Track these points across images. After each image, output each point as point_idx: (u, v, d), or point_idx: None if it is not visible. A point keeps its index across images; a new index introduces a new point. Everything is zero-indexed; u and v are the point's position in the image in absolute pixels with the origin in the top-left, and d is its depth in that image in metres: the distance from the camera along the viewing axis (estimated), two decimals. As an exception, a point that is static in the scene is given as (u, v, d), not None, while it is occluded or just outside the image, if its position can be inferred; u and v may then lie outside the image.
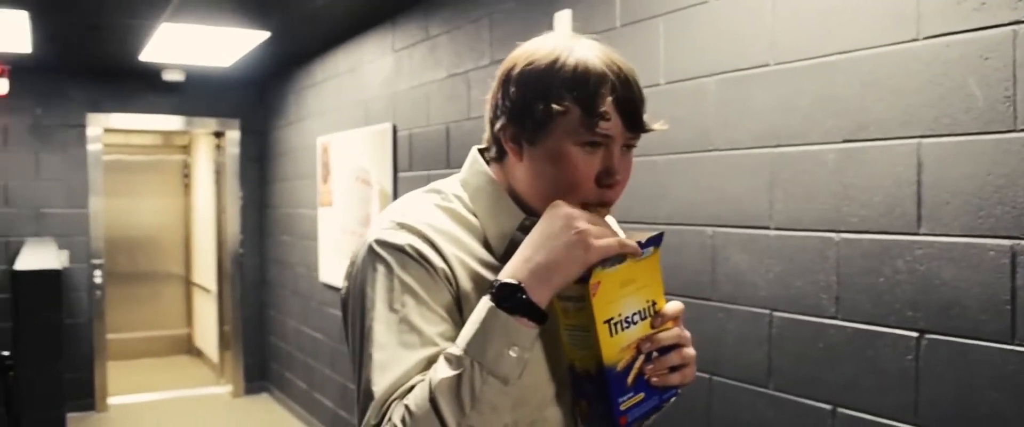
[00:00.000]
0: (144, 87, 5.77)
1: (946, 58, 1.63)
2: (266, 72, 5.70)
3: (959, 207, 1.62)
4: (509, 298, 0.99)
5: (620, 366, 1.04)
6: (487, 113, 1.14)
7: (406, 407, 0.97)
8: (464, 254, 1.08)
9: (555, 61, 1.04)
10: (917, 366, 1.70)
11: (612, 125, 1.04)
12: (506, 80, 1.09)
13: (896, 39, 1.72)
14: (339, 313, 1.14)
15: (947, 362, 1.65)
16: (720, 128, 2.11)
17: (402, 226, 1.08)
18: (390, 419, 0.98)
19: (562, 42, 1.07)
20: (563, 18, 2.74)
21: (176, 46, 4.64)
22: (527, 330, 1.00)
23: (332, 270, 4.79)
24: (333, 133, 4.75)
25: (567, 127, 1.04)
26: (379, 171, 4.15)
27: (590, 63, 1.04)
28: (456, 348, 0.99)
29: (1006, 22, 1.54)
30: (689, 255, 2.23)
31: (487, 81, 3.17)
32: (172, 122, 5.98)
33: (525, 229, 1.10)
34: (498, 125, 1.11)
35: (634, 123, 1.06)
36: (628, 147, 1.08)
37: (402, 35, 3.92)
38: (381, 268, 1.05)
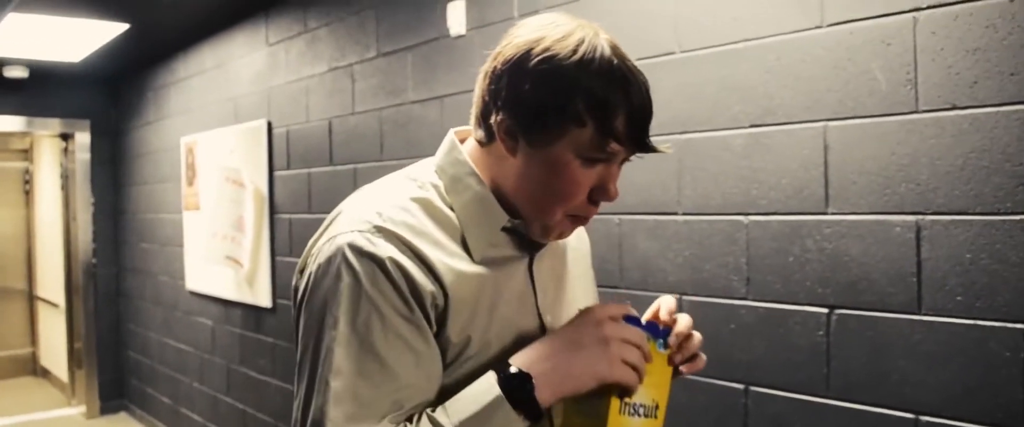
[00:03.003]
0: (-20, 85, 5.31)
1: (850, 44, 1.71)
2: (121, 68, 5.35)
3: (865, 186, 1.70)
4: (518, 390, 0.94)
5: None
6: (480, 90, 1.04)
7: None
8: (446, 256, 1.00)
9: (578, 65, 0.95)
10: (828, 341, 1.77)
11: (622, 149, 0.98)
12: (516, 70, 0.97)
13: (800, 26, 1.79)
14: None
15: (857, 335, 1.72)
16: (625, 117, 2.13)
17: (381, 231, 0.97)
18: None
19: (585, 39, 0.96)
20: (457, 9, 2.70)
21: (21, 38, 4.28)
22: (522, 424, 0.95)
23: (200, 277, 4.55)
24: (199, 132, 4.52)
25: (575, 141, 0.96)
26: (253, 171, 3.97)
27: (612, 73, 0.95)
28: (446, 419, 0.92)
29: (907, 9, 1.62)
30: (595, 244, 2.23)
31: (376, 74, 3.11)
32: (11, 123, 5.52)
33: (507, 231, 1.06)
34: (495, 116, 1.00)
35: (642, 144, 0.99)
36: (624, 160, 1.03)
37: (277, 28, 3.77)
38: (348, 280, 0.94)
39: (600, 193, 1.01)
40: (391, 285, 0.94)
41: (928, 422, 1.61)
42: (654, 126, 2.05)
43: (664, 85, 2.04)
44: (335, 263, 0.95)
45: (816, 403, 1.79)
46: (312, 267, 0.99)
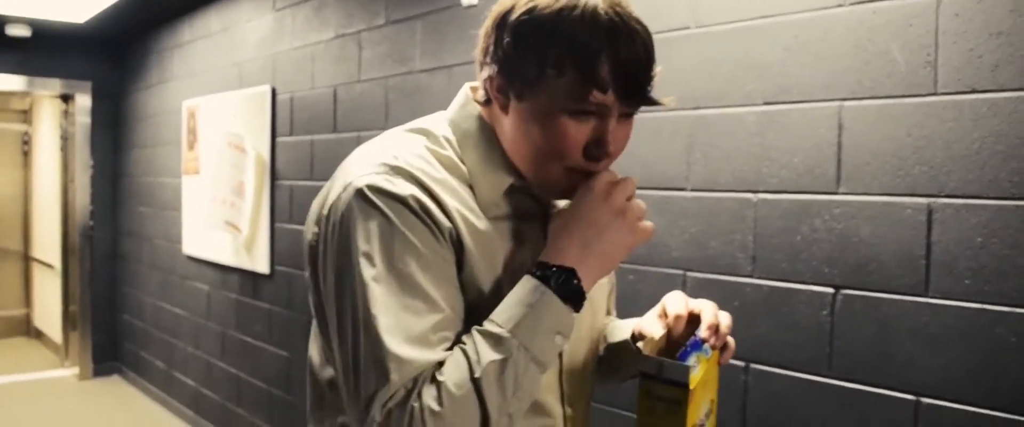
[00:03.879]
0: (-19, 41, 5.27)
1: (871, 24, 1.69)
2: (124, 30, 5.31)
3: (878, 167, 1.69)
4: (564, 284, 0.94)
5: None
6: (478, 54, 1.04)
7: (441, 386, 0.88)
8: (462, 207, 0.99)
9: (558, 14, 0.93)
10: (832, 321, 1.77)
11: (607, 96, 0.95)
12: (501, 24, 0.98)
13: (821, 4, 1.77)
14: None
15: (862, 316, 1.72)
16: (636, 91, 2.12)
17: (397, 172, 0.96)
18: (420, 398, 0.88)
19: None
20: (469, -22, 2.68)
21: (25, -5, 4.25)
22: (572, 317, 0.95)
23: (198, 241, 4.53)
24: (202, 96, 4.49)
25: (558, 92, 0.95)
26: (255, 136, 3.95)
27: (596, 21, 0.93)
28: (499, 328, 0.92)
29: (930, -11, 1.61)
30: (601, 218, 2.23)
31: (383, 42, 3.08)
32: (12, 82, 5.48)
33: (517, 192, 1.05)
34: (486, 72, 1.01)
35: (633, 96, 0.96)
36: (627, 115, 1.00)
37: (285, -6, 3.74)
38: (379, 219, 0.93)
39: (595, 148, 0.98)
40: (418, 220, 0.94)
41: (929, 404, 1.61)
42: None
43: (678, 60, 2.03)
44: (359, 206, 0.94)
45: (817, 382, 1.79)
46: (334, 217, 0.98)
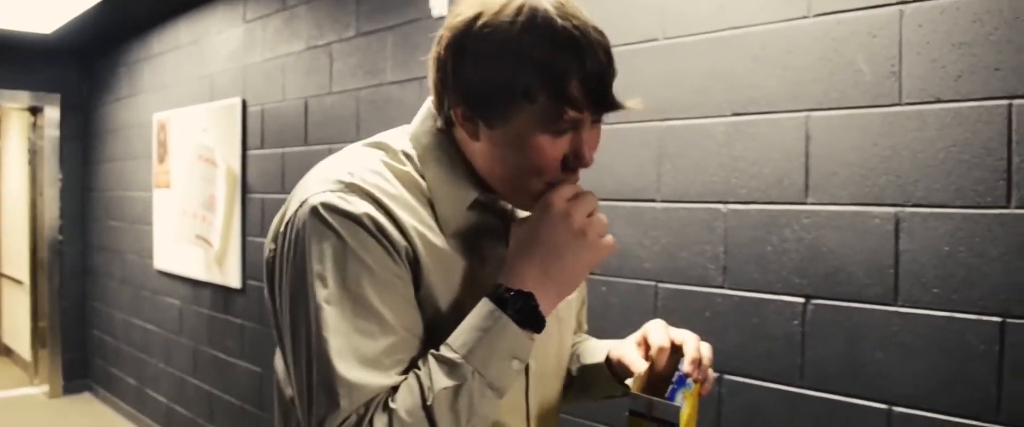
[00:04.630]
0: (-54, 55, 5.19)
1: (836, 35, 1.70)
2: (93, 42, 5.25)
3: (846, 177, 1.69)
4: (521, 309, 0.92)
5: None
6: (431, 79, 1.01)
7: (393, 414, 0.87)
8: (420, 224, 0.97)
9: (519, 34, 0.90)
10: (803, 331, 1.77)
11: (582, 115, 0.93)
12: (458, 51, 0.95)
13: (787, 16, 1.78)
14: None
15: (833, 325, 1.72)
16: (606, 102, 2.11)
17: (352, 189, 0.94)
18: (371, 425, 0.87)
19: (524, 4, 0.92)
20: (439, -10, 2.67)
21: (-10, 8, 4.18)
22: (530, 342, 0.93)
23: (169, 256, 4.48)
24: (172, 109, 4.44)
25: (532, 117, 0.92)
26: (226, 149, 3.91)
27: (557, 39, 0.90)
28: (454, 353, 0.90)
29: (893, 2, 1.62)
30: (573, 230, 2.22)
31: (354, 54, 3.06)
32: (-21, 95, 5.40)
33: (480, 206, 1.03)
34: (448, 104, 0.98)
35: (604, 104, 0.94)
36: (597, 121, 0.99)
37: (255, 5, 3.71)
38: (332, 239, 0.91)
39: (575, 161, 0.97)
40: (373, 239, 0.92)
41: (901, 413, 1.62)
42: (635, 113, 2.02)
43: (646, 71, 2.03)
44: (313, 225, 0.93)
45: (790, 392, 1.79)
46: (290, 234, 0.96)
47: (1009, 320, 1.48)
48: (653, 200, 2.05)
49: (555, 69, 0.90)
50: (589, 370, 1.22)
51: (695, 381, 1.06)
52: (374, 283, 0.91)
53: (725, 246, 1.91)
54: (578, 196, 0.97)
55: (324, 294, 0.91)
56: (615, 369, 1.17)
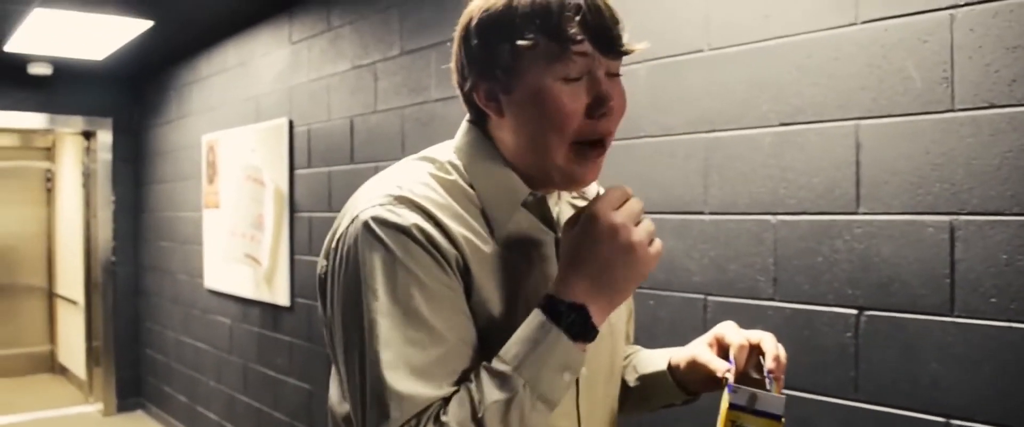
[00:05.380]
0: (4, 81, 5.34)
1: (884, 41, 1.68)
2: (143, 67, 5.38)
3: (898, 186, 1.67)
4: (574, 322, 0.92)
5: None
6: (455, 80, 1.06)
7: (443, 426, 0.88)
8: (469, 233, 0.98)
9: (511, 1, 0.97)
10: (857, 343, 1.74)
11: (585, 46, 0.96)
12: (466, 36, 1.01)
13: (834, 24, 1.76)
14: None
15: (887, 337, 1.69)
16: (651, 114, 2.11)
17: (401, 201, 0.96)
18: None
19: None
20: (482, 7, 2.69)
21: (46, 35, 4.31)
22: (582, 354, 0.93)
23: (218, 275, 4.55)
24: (220, 130, 4.53)
25: (540, 62, 0.96)
26: (274, 169, 3.97)
27: None
28: (505, 365, 0.91)
29: (944, 6, 1.60)
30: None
31: (399, 72, 3.10)
32: (35, 120, 5.56)
33: (529, 210, 1.04)
34: (468, 86, 1.02)
35: (609, 45, 0.97)
36: (613, 75, 1.00)
37: (300, 26, 3.78)
38: (382, 252, 0.93)
39: (598, 107, 0.97)
40: (422, 250, 0.94)
41: (959, 426, 1.58)
42: (681, 123, 2.02)
43: (691, 82, 2.02)
44: (363, 239, 0.95)
45: (844, 406, 1.76)
46: (341, 250, 0.98)
47: (1072, 329, 1.45)
48: (701, 212, 2.04)
49: (549, 10, 0.95)
50: (650, 379, 1.22)
51: (775, 378, 1.05)
52: (425, 294, 0.92)
53: (775, 258, 1.88)
54: (624, 207, 0.96)
55: (375, 306, 0.92)
56: (679, 375, 1.16)
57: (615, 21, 0.98)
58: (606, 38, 0.97)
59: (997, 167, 1.53)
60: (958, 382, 1.58)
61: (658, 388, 1.20)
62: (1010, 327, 1.52)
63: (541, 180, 1.04)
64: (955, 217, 1.59)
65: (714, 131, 1.99)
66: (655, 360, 1.22)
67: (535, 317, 0.93)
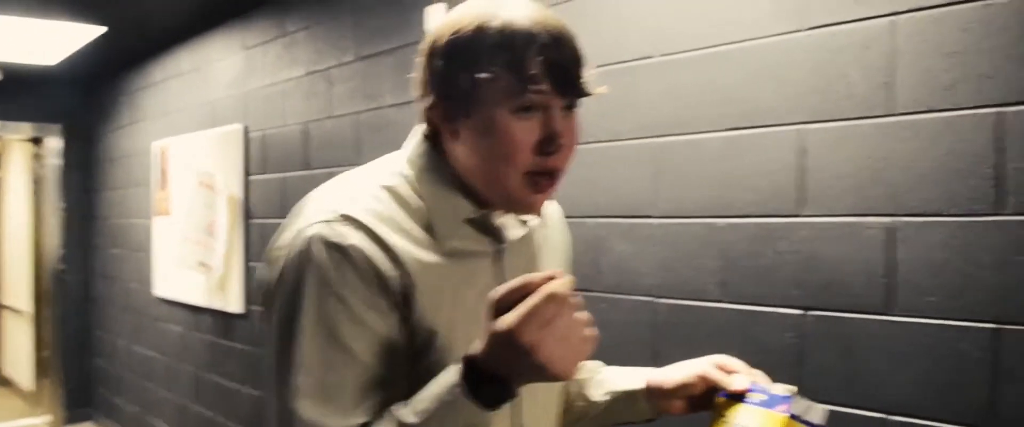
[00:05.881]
0: (-50, 86, 5.23)
1: (830, 47, 1.72)
2: (95, 72, 5.30)
3: (841, 189, 1.71)
4: (490, 394, 0.88)
5: None
6: (416, 93, 1.06)
7: None
8: (413, 246, 0.99)
9: (480, 27, 0.97)
10: (801, 342, 1.77)
11: (543, 87, 0.96)
12: (431, 54, 1.01)
13: (781, 30, 1.80)
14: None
15: (830, 336, 1.72)
16: (600, 120, 2.13)
17: (347, 220, 0.96)
18: None
19: (488, 6, 0.99)
20: (436, 12, 2.70)
21: (-5, 40, 4.23)
22: (490, 415, 0.90)
23: (169, 283, 4.49)
24: (173, 136, 4.47)
25: (496, 94, 0.96)
26: (227, 175, 3.93)
27: (516, 24, 0.96)
28: (413, 418, 0.90)
29: (885, 13, 1.64)
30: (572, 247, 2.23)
31: (353, 78, 3.09)
32: (-18, 126, 5.44)
33: (474, 225, 1.05)
34: (428, 103, 1.02)
35: (566, 86, 0.98)
36: (570, 109, 1.01)
37: (255, 32, 3.75)
38: (314, 272, 0.94)
39: (548, 145, 0.98)
40: (356, 273, 0.94)
41: (898, 422, 1.62)
42: (631, 128, 2.04)
43: (641, 89, 2.05)
44: (302, 256, 0.95)
45: (789, 405, 1.78)
46: (282, 262, 0.98)
47: (1003, 326, 1.49)
48: (650, 216, 2.06)
49: (514, 46, 0.95)
50: (622, 396, 1.22)
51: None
52: (352, 320, 0.93)
53: (722, 260, 1.91)
54: (519, 304, 0.86)
55: (301, 326, 0.93)
56: (658, 395, 1.18)
57: (577, 62, 0.99)
58: (565, 79, 0.98)
59: (935, 169, 1.58)
60: (898, 379, 1.62)
61: (629, 405, 1.21)
62: (946, 325, 1.56)
63: (491, 201, 1.04)
64: (895, 218, 1.63)
65: (664, 136, 2.02)
66: (629, 378, 1.23)
67: (451, 375, 0.90)
